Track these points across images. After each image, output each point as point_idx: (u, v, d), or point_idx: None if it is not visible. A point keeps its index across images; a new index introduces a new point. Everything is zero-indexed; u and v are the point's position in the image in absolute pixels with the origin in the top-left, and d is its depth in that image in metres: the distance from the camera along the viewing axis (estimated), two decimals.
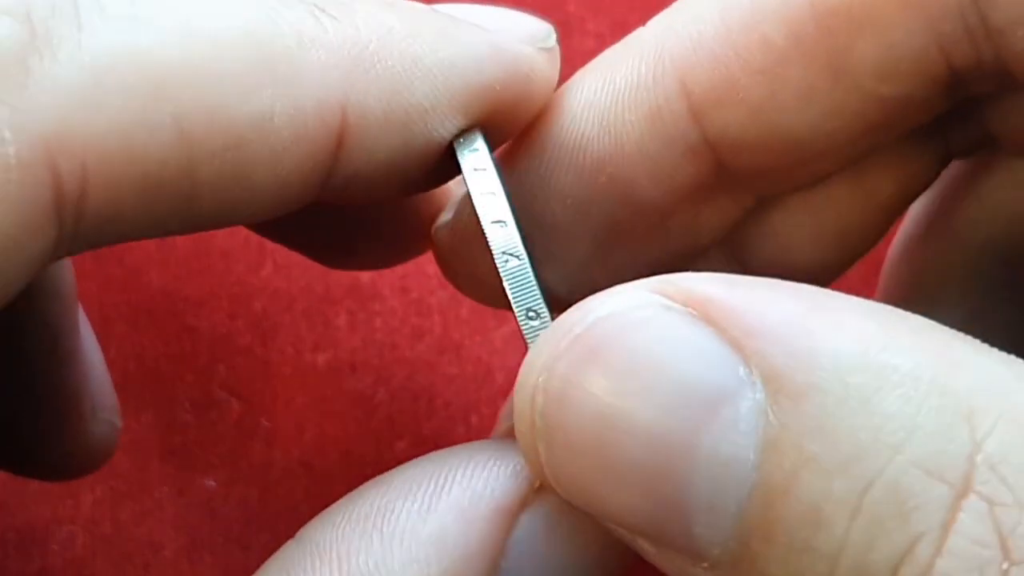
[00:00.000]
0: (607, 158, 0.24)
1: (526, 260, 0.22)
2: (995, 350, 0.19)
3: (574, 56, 0.25)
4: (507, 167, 0.24)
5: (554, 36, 0.24)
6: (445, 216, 0.26)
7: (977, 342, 0.19)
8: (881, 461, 0.17)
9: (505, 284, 0.22)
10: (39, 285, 0.27)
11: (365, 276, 0.34)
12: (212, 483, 0.32)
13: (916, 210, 0.28)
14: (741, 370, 0.18)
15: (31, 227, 0.19)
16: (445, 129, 0.22)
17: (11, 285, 0.19)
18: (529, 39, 0.24)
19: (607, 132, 0.24)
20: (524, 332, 0.22)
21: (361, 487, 0.22)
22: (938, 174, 0.26)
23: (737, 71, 0.23)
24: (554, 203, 0.24)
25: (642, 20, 0.25)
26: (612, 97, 0.24)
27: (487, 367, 0.33)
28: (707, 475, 0.18)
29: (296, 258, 0.34)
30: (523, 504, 0.21)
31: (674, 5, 0.25)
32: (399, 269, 0.34)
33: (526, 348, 0.21)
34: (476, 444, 0.22)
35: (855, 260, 0.26)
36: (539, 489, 0.21)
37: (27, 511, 0.32)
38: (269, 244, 0.34)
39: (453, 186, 0.26)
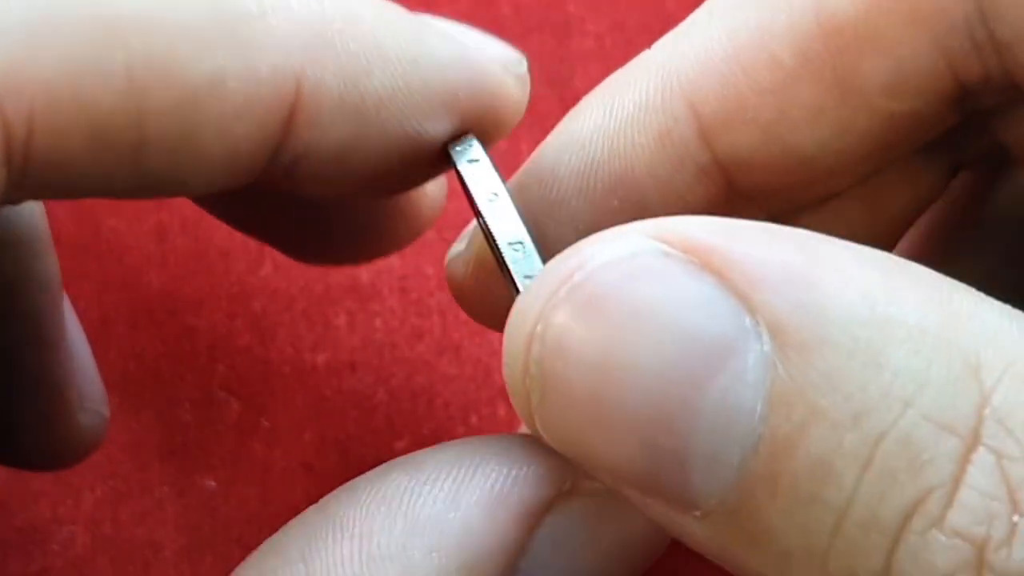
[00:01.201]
0: (618, 182, 0.24)
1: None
2: (997, 302, 0.18)
3: (573, 56, 0.25)
4: (517, 195, 0.24)
5: (525, 65, 0.24)
6: (459, 246, 0.26)
7: (979, 294, 0.19)
8: (893, 415, 0.17)
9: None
10: (23, 276, 0.27)
11: (365, 276, 0.34)
12: (212, 483, 0.32)
13: (923, 222, 0.28)
14: (747, 321, 0.18)
15: None
16: (401, 126, 0.22)
17: None
18: (500, 61, 0.23)
19: (617, 156, 0.24)
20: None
21: (388, 465, 0.21)
22: (945, 186, 0.26)
23: (746, 91, 0.23)
24: (565, 230, 0.24)
25: (642, 21, 0.25)
26: (621, 121, 0.24)
27: (487, 367, 0.33)
28: (711, 426, 0.18)
29: None
30: (549, 507, 0.21)
31: (680, 27, 0.25)
32: (398, 269, 0.34)
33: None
34: (507, 437, 0.22)
35: None
36: (567, 493, 0.21)
37: (27, 511, 0.32)
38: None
39: (437, 192, 0.26)
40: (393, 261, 0.34)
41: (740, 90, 0.23)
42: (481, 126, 0.23)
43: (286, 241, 0.29)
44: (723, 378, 0.18)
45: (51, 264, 0.27)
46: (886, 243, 0.26)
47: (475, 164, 0.23)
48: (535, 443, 0.21)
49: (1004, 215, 0.26)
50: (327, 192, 0.23)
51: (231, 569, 0.32)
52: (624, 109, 0.24)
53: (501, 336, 0.33)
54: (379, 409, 0.33)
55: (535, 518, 0.21)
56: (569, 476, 0.21)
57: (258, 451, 0.33)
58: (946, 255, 0.27)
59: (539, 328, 0.19)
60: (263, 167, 0.21)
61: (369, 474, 0.21)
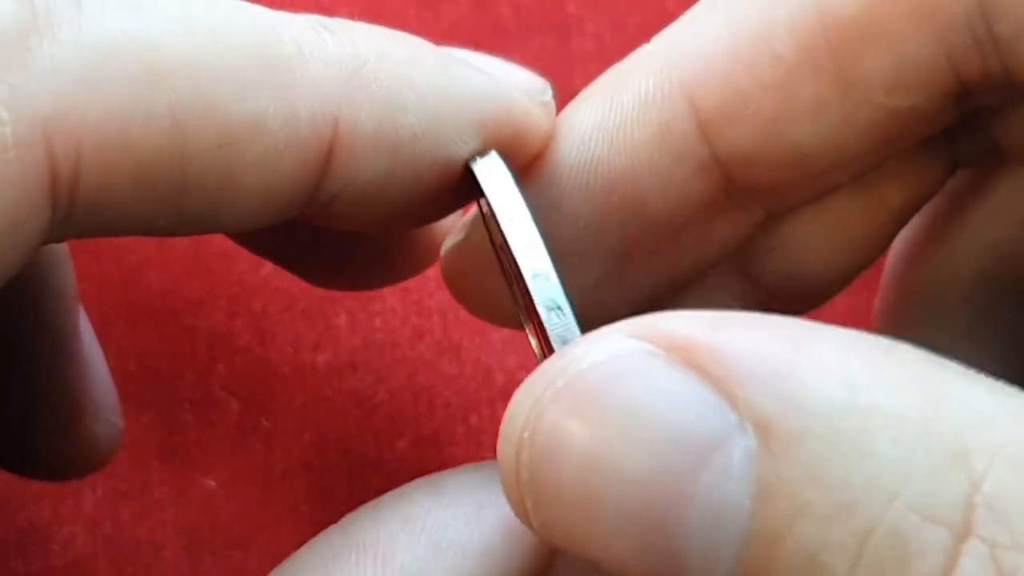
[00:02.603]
0: (617, 178, 0.24)
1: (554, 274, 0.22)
2: (983, 377, 0.18)
3: (573, 57, 0.25)
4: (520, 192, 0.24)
5: (550, 92, 0.24)
6: (454, 238, 0.26)
7: (964, 370, 0.18)
8: (879, 507, 0.17)
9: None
10: (40, 285, 0.27)
11: None
12: (212, 483, 0.32)
13: (919, 218, 0.28)
14: (731, 416, 0.18)
15: (27, 206, 0.19)
16: (433, 157, 0.22)
17: (7, 264, 0.19)
18: (526, 90, 0.24)
19: (617, 152, 0.24)
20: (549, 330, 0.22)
21: (410, 485, 0.22)
22: (942, 184, 0.26)
23: (746, 86, 0.23)
24: (565, 226, 0.24)
25: (642, 21, 0.25)
26: (620, 117, 0.24)
27: (487, 367, 0.33)
28: (701, 524, 0.18)
29: None
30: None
31: (679, 21, 0.25)
32: None
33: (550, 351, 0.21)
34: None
35: (864, 268, 0.26)
36: None
37: (27, 511, 0.32)
38: None
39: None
40: None
41: (741, 85, 0.23)
42: (508, 152, 0.23)
43: (306, 267, 0.29)
44: (710, 474, 0.18)
45: (68, 273, 0.27)
46: (885, 238, 0.26)
47: (501, 186, 0.23)
48: None
49: (999, 214, 0.26)
50: (362, 225, 0.24)
51: (231, 569, 0.32)
52: (623, 105, 0.24)
53: (502, 335, 0.33)
54: (379, 409, 0.33)
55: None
56: None
57: (258, 451, 0.33)
58: (938, 252, 0.27)
59: (527, 434, 0.19)
60: (302, 205, 0.22)
61: (391, 494, 0.22)
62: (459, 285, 0.26)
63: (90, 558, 0.32)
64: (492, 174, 0.23)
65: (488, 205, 0.23)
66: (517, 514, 0.19)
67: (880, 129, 0.23)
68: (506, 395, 0.33)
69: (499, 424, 0.33)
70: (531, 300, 0.21)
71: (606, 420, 0.18)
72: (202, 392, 0.33)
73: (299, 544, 0.22)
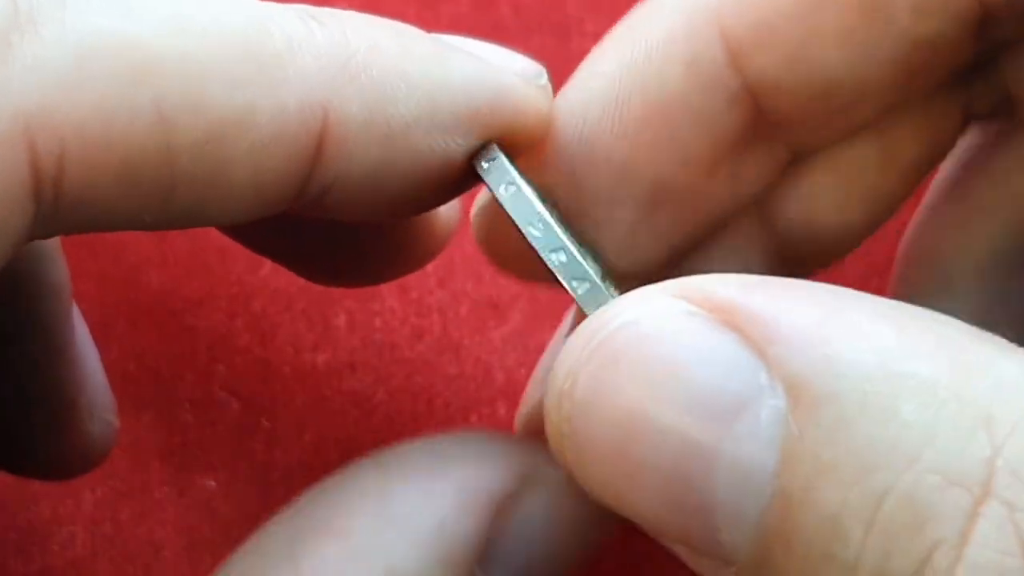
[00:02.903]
0: (650, 115, 0.24)
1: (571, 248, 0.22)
2: (1014, 348, 0.18)
3: (573, 57, 0.25)
4: (548, 138, 0.25)
5: (545, 76, 0.24)
6: (483, 198, 0.26)
7: (995, 340, 0.19)
8: (897, 470, 0.17)
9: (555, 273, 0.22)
10: (32, 282, 0.27)
11: None
12: (212, 483, 0.32)
13: (932, 195, 0.28)
14: (763, 376, 0.18)
15: (8, 203, 0.19)
16: (428, 147, 0.22)
17: None
18: (521, 74, 0.24)
19: (648, 88, 0.24)
20: (580, 303, 0.22)
21: (358, 464, 0.22)
22: (956, 139, 0.26)
23: (774, 14, 0.23)
24: (598, 168, 0.24)
25: None
26: (649, 52, 0.24)
27: (486, 367, 0.33)
28: (729, 481, 0.18)
29: None
30: (516, 496, 0.22)
31: None
32: None
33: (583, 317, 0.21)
34: (473, 433, 0.23)
35: (879, 224, 0.27)
36: (530, 484, 0.22)
37: (27, 511, 0.32)
38: None
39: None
40: None
41: (769, 13, 0.24)
42: (507, 139, 0.23)
43: (304, 264, 0.29)
44: (738, 433, 0.18)
45: (61, 271, 0.27)
46: (900, 192, 0.27)
47: (509, 183, 0.23)
48: (500, 438, 0.22)
49: (1013, 185, 0.27)
50: (356, 216, 0.24)
51: None
52: (651, 40, 0.24)
53: (502, 334, 0.33)
54: (379, 409, 0.33)
55: (504, 508, 0.22)
56: (532, 468, 0.22)
57: (258, 451, 0.33)
58: (955, 229, 0.28)
59: (567, 386, 0.19)
60: (293, 197, 0.22)
61: (341, 474, 0.22)
62: (491, 243, 0.26)
63: (90, 558, 0.32)
64: (495, 170, 0.23)
65: (498, 201, 0.23)
66: (564, 467, 0.20)
67: (904, 60, 0.24)
68: (506, 394, 0.33)
69: (499, 423, 0.33)
70: (557, 279, 0.22)
71: (643, 375, 0.19)
72: (202, 392, 0.33)
73: None
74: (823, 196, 0.26)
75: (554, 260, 0.22)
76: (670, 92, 0.24)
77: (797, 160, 0.26)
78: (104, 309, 0.34)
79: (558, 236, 0.22)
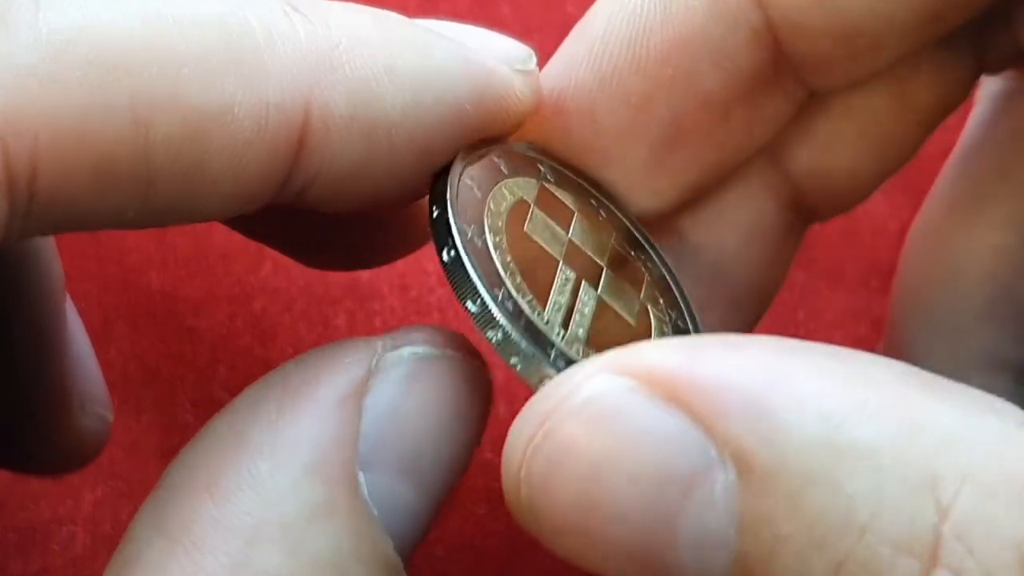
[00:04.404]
0: (671, 50, 0.24)
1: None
2: (961, 394, 0.19)
3: None
4: (565, 69, 0.24)
5: (534, 60, 0.24)
6: None
7: (940, 388, 0.19)
8: (851, 540, 0.18)
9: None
10: (23, 277, 0.27)
11: (364, 275, 0.34)
12: None
13: (935, 199, 0.28)
14: (712, 450, 0.18)
15: None
16: (412, 142, 0.22)
17: None
18: (506, 59, 0.23)
19: (670, 22, 0.24)
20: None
21: (210, 424, 0.22)
22: (970, 90, 0.27)
23: None
24: (616, 104, 0.24)
25: None
26: None
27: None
28: (691, 553, 0.18)
29: None
30: (364, 386, 0.22)
31: None
32: (398, 267, 0.34)
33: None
34: (310, 352, 0.23)
35: (889, 174, 0.27)
36: (376, 370, 0.22)
37: (27, 511, 0.32)
38: None
39: None
40: None
41: None
42: (485, 129, 0.23)
43: (295, 248, 0.29)
44: (695, 506, 0.18)
45: (54, 266, 0.27)
46: (912, 141, 0.27)
47: (449, 248, 0.22)
48: (347, 342, 0.22)
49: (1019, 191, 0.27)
50: (340, 208, 0.23)
51: None
52: None
53: None
54: None
55: (354, 401, 0.22)
56: (375, 357, 0.22)
57: None
58: (959, 234, 0.28)
59: (523, 473, 0.20)
60: (275, 192, 0.22)
61: (195, 440, 0.22)
62: None
63: (90, 558, 0.32)
64: (440, 226, 0.22)
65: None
66: (527, 530, 0.20)
67: (925, 4, 0.24)
68: (506, 393, 0.33)
69: (499, 422, 0.33)
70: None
71: (594, 457, 0.19)
72: (202, 393, 0.33)
73: None
74: (836, 141, 0.26)
75: (490, 337, 0.22)
76: (692, 28, 0.24)
77: (813, 103, 0.26)
78: (104, 309, 0.34)
79: (493, 315, 0.22)
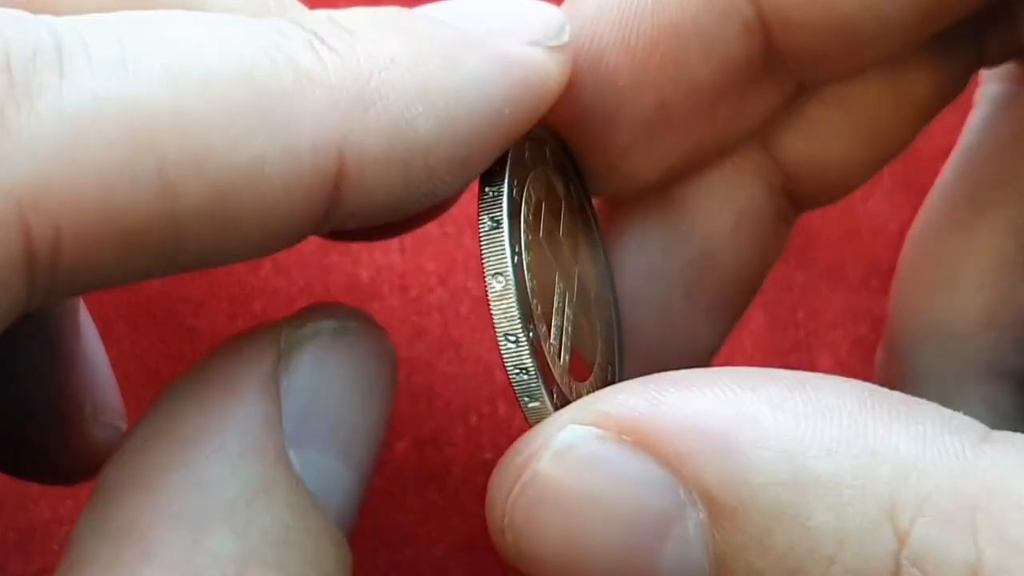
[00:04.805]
0: (661, 36, 0.24)
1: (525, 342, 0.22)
2: (919, 414, 0.19)
3: None
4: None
5: (567, 30, 0.23)
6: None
7: (900, 412, 0.19)
8: (820, 571, 0.19)
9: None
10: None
11: (364, 275, 0.34)
12: None
13: (935, 201, 0.28)
14: (681, 493, 0.19)
15: None
16: (449, 160, 0.21)
17: None
18: (539, 36, 0.22)
19: (662, 8, 0.24)
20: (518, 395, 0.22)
21: (135, 428, 0.22)
22: (967, 83, 0.27)
23: None
24: (604, 86, 0.24)
25: None
26: None
27: (487, 365, 0.33)
28: None
29: (295, 258, 0.34)
30: (277, 366, 0.22)
31: None
32: (398, 267, 0.34)
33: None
34: (223, 342, 0.23)
35: (883, 164, 0.27)
36: (290, 348, 0.22)
37: (27, 511, 0.32)
38: None
39: None
40: (393, 258, 0.34)
41: None
42: (529, 122, 0.23)
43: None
44: (671, 546, 0.19)
45: None
46: (906, 133, 0.27)
47: (496, 240, 0.22)
48: (248, 331, 0.22)
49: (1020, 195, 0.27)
50: (377, 224, 0.23)
51: None
52: None
53: None
54: None
55: (271, 382, 0.22)
56: (281, 337, 0.22)
57: None
58: (960, 238, 0.28)
59: (506, 522, 0.21)
60: (309, 233, 0.21)
61: (123, 444, 0.22)
62: None
63: None
64: (491, 218, 0.22)
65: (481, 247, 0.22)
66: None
67: (921, 1, 0.24)
68: (506, 393, 0.33)
69: (499, 423, 0.33)
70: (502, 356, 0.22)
71: (570, 505, 0.20)
72: None
73: None
74: (830, 129, 0.26)
75: (514, 378, 0.22)
76: (684, 16, 0.24)
77: (804, 92, 0.26)
78: (104, 309, 0.34)
79: (524, 360, 0.22)
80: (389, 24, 0.21)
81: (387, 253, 0.34)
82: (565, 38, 0.23)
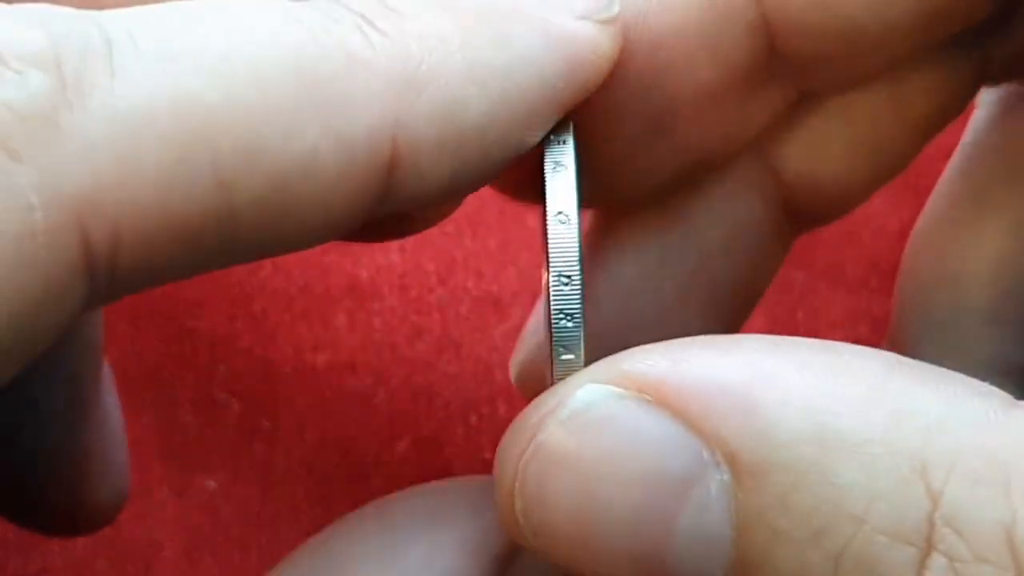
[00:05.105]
0: (663, 38, 0.24)
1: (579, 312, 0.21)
2: (945, 380, 0.19)
3: None
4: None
5: (617, 1, 0.22)
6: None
7: (925, 375, 0.19)
8: (847, 532, 0.18)
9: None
10: (65, 336, 0.26)
11: (364, 275, 0.34)
12: (212, 483, 0.32)
13: (938, 200, 0.28)
14: (704, 453, 0.18)
15: (58, 290, 0.18)
16: (503, 140, 0.21)
17: (40, 344, 0.18)
18: (591, 10, 0.22)
19: (666, 8, 0.24)
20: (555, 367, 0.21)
21: (358, 516, 0.22)
22: (968, 101, 0.27)
23: None
24: (610, 87, 0.23)
25: None
26: None
27: (487, 365, 0.33)
28: (688, 554, 0.19)
29: (295, 258, 0.34)
30: (517, 553, 0.22)
31: None
32: (398, 267, 0.34)
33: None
34: (474, 480, 0.22)
35: (883, 182, 0.27)
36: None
37: None
38: None
39: None
40: (393, 258, 0.34)
41: None
42: (582, 96, 0.22)
43: None
44: (691, 509, 0.18)
45: (96, 326, 0.26)
46: (907, 150, 0.27)
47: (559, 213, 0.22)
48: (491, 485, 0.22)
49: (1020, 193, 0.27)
50: (431, 204, 0.22)
51: (231, 569, 0.32)
52: None
53: (502, 331, 0.33)
54: (379, 409, 0.33)
55: (507, 561, 0.21)
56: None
57: (259, 451, 0.33)
58: (962, 236, 0.28)
59: (518, 484, 0.20)
60: (364, 218, 0.21)
61: (342, 524, 0.22)
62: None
63: (90, 558, 0.32)
64: (557, 180, 0.22)
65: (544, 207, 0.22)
66: (523, 547, 0.20)
67: (926, 8, 0.23)
68: (507, 393, 0.33)
69: (499, 423, 0.33)
70: (548, 303, 0.21)
71: (587, 466, 0.19)
72: (203, 393, 0.33)
73: (299, 544, 0.22)
74: (829, 143, 0.26)
75: (561, 354, 0.21)
76: (688, 17, 0.24)
77: (807, 104, 0.26)
78: (105, 310, 0.34)
79: (579, 343, 0.21)
80: (437, 3, 0.21)
81: (387, 253, 0.34)
82: (615, 10, 0.22)
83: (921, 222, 0.29)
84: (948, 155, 0.29)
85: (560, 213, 0.21)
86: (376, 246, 0.34)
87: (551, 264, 0.21)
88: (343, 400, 0.33)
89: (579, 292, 0.21)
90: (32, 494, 0.27)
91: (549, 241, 0.21)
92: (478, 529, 0.21)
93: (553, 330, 0.21)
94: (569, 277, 0.21)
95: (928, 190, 0.30)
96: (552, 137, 0.22)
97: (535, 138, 0.22)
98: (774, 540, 0.18)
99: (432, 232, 0.31)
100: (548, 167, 0.22)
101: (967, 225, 0.28)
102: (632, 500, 0.19)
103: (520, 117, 0.21)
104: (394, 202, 0.20)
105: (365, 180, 0.19)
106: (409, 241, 0.32)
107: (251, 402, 0.33)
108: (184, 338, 0.34)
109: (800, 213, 0.27)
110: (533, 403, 0.20)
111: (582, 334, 0.21)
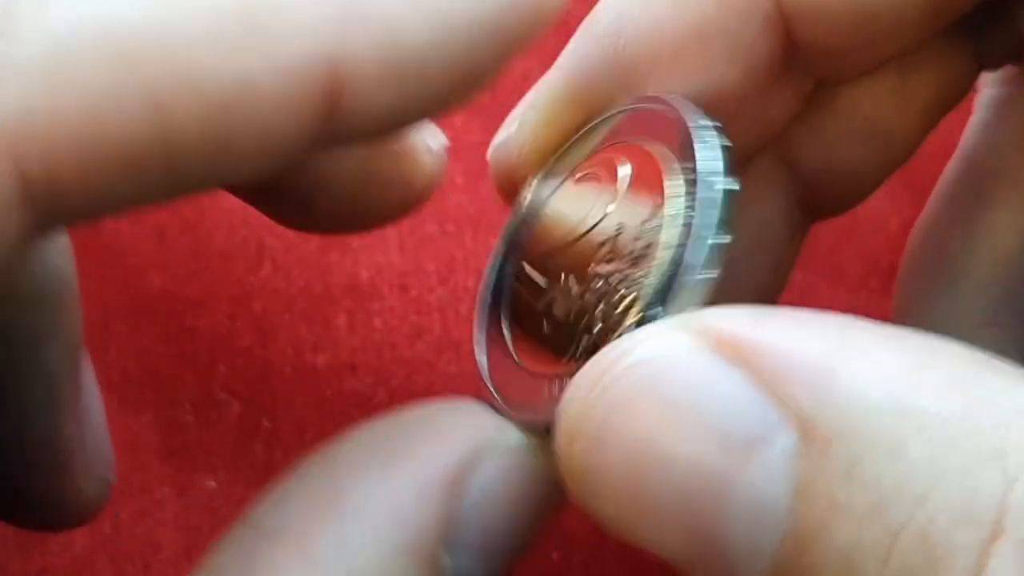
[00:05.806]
0: (684, 39, 0.24)
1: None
2: (1018, 370, 0.18)
3: None
4: (577, 58, 0.24)
5: None
6: (507, 131, 0.26)
7: (1003, 368, 0.19)
8: (909, 508, 0.17)
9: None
10: (44, 331, 0.26)
11: (364, 274, 0.34)
12: (212, 483, 0.32)
13: (938, 199, 0.28)
14: (774, 414, 0.18)
15: None
16: (452, 71, 0.20)
17: None
18: None
19: (683, 10, 0.24)
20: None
21: (306, 462, 0.21)
22: (969, 86, 0.27)
23: None
24: (629, 92, 0.24)
25: None
26: None
27: None
28: (744, 517, 0.18)
29: (295, 258, 0.34)
30: (469, 471, 0.21)
31: None
32: (398, 267, 0.34)
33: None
34: (416, 411, 0.22)
35: (892, 170, 0.27)
36: (484, 453, 0.21)
37: None
38: (268, 244, 0.34)
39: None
40: (393, 258, 0.34)
41: None
42: (539, 29, 0.21)
43: (277, 208, 0.27)
44: (752, 469, 0.18)
45: (75, 321, 0.26)
46: (914, 136, 0.27)
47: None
48: (447, 411, 0.22)
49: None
50: (377, 139, 0.22)
51: None
52: None
53: None
54: (379, 409, 0.33)
55: (459, 484, 0.21)
56: (482, 439, 0.21)
57: (259, 451, 0.33)
58: (962, 236, 0.28)
59: (581, 424, 0.19)
60: (306, 152, 0.20)
61: (290, 475, 0.21)
62: (505, 184, 0.26)
63: (90, 558, 0.32)
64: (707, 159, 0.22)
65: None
66: (576, 500, 0.20)
67: None
68: None
69: None
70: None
71: (653, 413, 0.19)
72: (203, 393, 0.33)
73: None
74: (842, 137, 0.26)
75: (654, 315, 0.21)
76: (705, 17, 0.24)
77: (818, 100, 0.26)
78: (104, 309, 0.34)
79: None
80: None
81: (387, 253, 0.34)
82: None
83: (920, 223, 0.29)
84: (948, 155, 0.29)
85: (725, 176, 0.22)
86: (376, 246, 0.34)
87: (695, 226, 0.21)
88: (343, 400, 0.33)
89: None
90: (13, 488, 0.27)
91: (701, 204, 0.21)
92: (426, 461, 0.21)
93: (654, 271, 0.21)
94: (721, 234, 0.21)
95: (928, 190, 0.30)
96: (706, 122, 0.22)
97: (481, 74, 0.21)
98: (831, 512, 0.18)
99: (432, 232, 0.31)
100: (702, 140, 0.22)
101: (966, 227, 0.28)
102: (692, 455, 0.18)
103: (463, 49, 0.20)
104: (340, 133, 0.20)
105: (304, 108, 0.19)
106: (409, 241, 0.32)
107: (251, 402, 0.33)
108: (184, 338, 0.34)
109: (815, 207, 0.27)
110: (608, 347, 0.20)
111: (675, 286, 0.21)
